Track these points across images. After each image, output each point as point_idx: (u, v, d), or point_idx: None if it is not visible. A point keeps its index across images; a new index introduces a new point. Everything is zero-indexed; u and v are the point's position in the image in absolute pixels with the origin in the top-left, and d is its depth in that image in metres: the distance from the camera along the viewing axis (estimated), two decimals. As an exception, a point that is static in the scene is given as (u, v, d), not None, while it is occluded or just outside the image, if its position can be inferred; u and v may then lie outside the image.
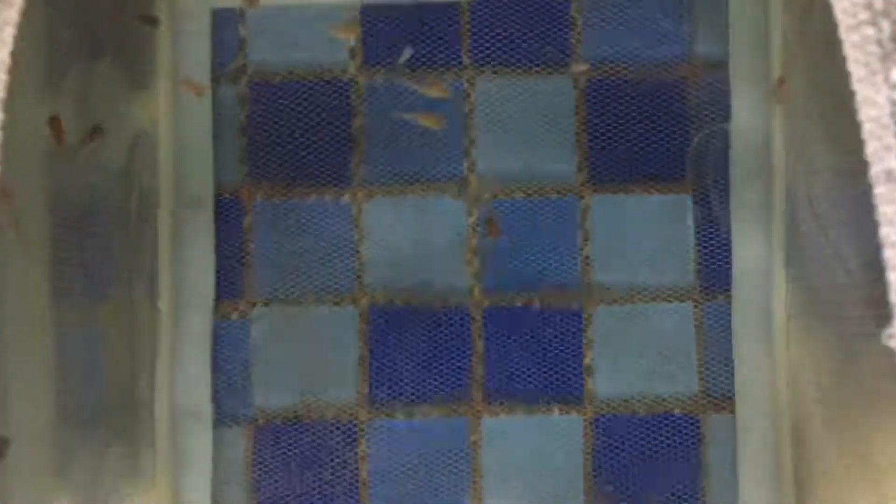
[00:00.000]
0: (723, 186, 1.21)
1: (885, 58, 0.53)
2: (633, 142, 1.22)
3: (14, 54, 0.58)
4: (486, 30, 1.22)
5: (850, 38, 0.54)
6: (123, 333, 1.17)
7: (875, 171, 0.54)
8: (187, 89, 1.19)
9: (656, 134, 1.22)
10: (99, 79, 1.14)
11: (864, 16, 0.53)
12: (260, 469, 1.21)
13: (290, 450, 1.21)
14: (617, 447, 1.20)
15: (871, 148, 0.54)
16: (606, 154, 1.22)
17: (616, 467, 1.20)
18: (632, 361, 1.21)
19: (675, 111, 1.21)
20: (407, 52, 1.20)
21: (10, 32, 0.54)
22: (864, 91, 0.54)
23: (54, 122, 1.04)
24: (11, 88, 1.00)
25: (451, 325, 1.22)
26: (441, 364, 1.21)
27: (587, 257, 1.21)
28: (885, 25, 0.53)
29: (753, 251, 1.20)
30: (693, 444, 1.19)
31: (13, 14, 0.53)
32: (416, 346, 1.22)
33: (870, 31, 0.53)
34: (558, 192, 1.22)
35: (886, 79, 0.53)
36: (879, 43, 0.53)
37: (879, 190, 0.54)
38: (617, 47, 1.22)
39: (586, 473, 1.20)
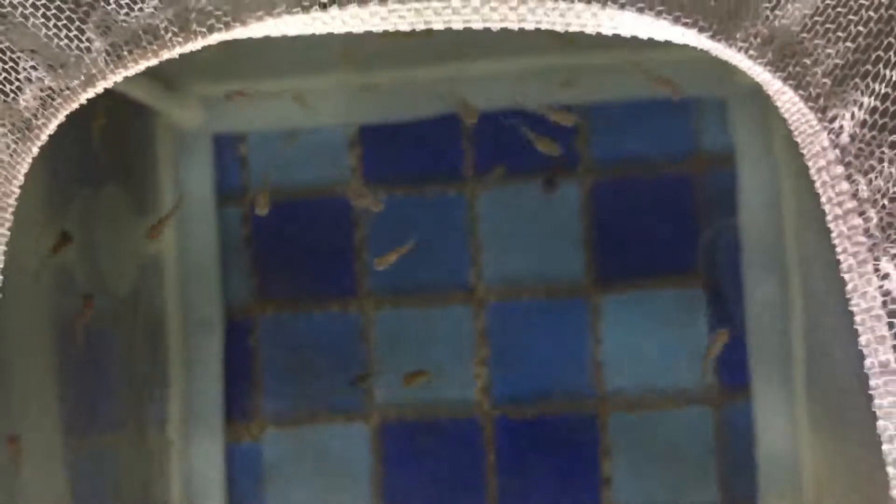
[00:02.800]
0: (736, 283, 1.19)
1: (873, 247, 0.52)
2: (642, 238, 1.21)
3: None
4: (488, 140, 1.22)
5: (837, 228, 0.52)
6: (136, 462, 1.17)
7: (869, 362, 0.52)
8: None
9: (666, 230, 1.21)
10: (103, 206, 1.14)
11: (850, 205, 0.52)
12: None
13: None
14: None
15: (863, 340, 0.52)
16: (615, 253, 1.21)
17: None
18: (650, 471, 1.18)
19: (683, 206, 1.20)
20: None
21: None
22: (854, 282, 0.52)
23: (64, 235, 1.05)
24: (16, 221, 1.01)
25: (463, 437, 1.20)
26: (455, 478, 1.20)
27: (599, 361, 1.20)
28: (873, 214, 0.52)
29: (771, 350, 1.18)
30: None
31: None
32: (429, 460, 1.20)
33: (857, 220, 0.52)
34: (566, 294, 1.21)
35: (876, 269, 0.52)
36: (867, 232, 0.52)
37: (874, 382, 0.52)
38: (622, 149, 1.21)
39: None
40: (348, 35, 1.06)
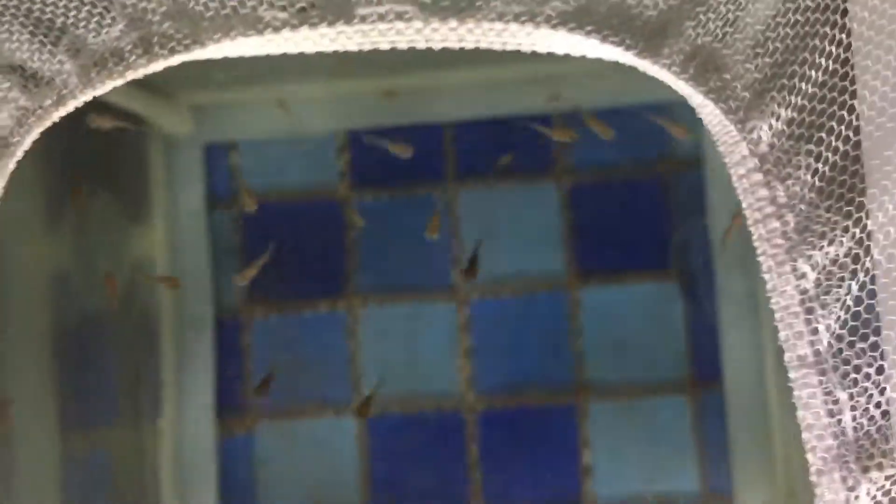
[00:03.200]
0: (709, 276, 1.22)
1: (791, 249, 0.55)
2: (619, 238, 1.24)
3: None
4: (469, 146, 1.26)
5: (757, 231, 0.56)
6: (129, 456, 1.21)
7: (788, 357, 0.56)
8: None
9: (642, 227, 1.24)
10: (96, 214, 1.18)
11: (769, 209, 0.55)
12: (269, 581, 1.24)
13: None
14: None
15: (783, 335, 0.56)
16: (594, 251, 1.24)
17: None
18: (630, 459, 1.22)
19: (658, 205, 1.23)
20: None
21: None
22: (773, 281, 0.55)
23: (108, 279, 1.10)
24: (11, 225, 1.05)
25: (447, 430, 1.24)
26: (439, 469, 1.24)
27: (579, 352, 1.23)
28: (790, 218, 0.55)
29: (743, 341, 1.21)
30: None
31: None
32: (415, 452, 1.24)
33: (775, 224, 0.55)
34: (547, 287, 1.24)
35: (794, 269, 0.55)
36: (785, 235, 0.55)
37: (794, 375, 0.56)
38: (598, 154, 1.24)
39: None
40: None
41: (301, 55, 1.07)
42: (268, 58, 1.10)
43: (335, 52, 1.11)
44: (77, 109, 1.12)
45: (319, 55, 1.12)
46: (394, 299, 1.25)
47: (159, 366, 1.24)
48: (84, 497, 1.13)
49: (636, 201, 1.24)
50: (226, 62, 1.12)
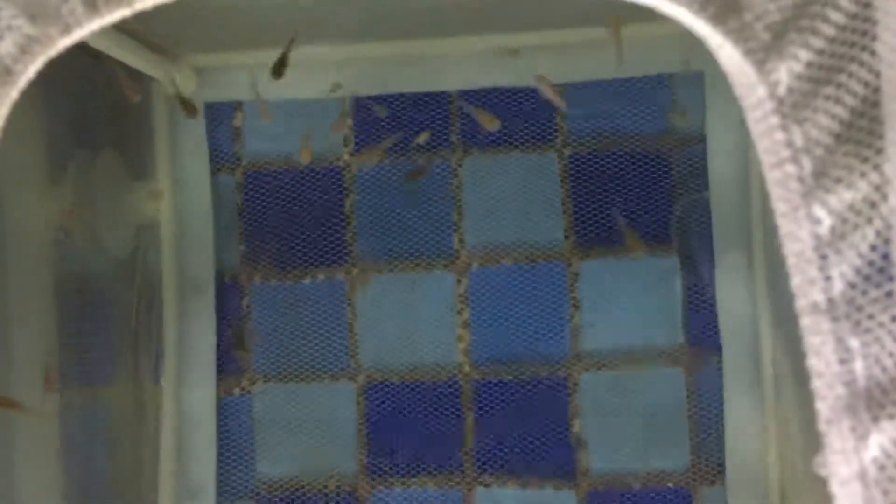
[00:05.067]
0: (708, 250, 1.20)
1: (806, 194, 0.53)
2: (619, 208, 1.22)
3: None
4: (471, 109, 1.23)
5: (772, 175, 0.54)
6: (129, 415, 1.19)
7: (800, 304, 0.54)
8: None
9: (643, 201, 1.22)
10: (101, 170, 1.16)
11: (785, 153, 0.53)
12: (264, 542, 1.22)
13: (293, 522, 1.22)
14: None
15: (795, 281, 0.53)
16: (593, 221, 1.22)
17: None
18: (624, 433, 1.20)
19: (660, 179, 1.21)
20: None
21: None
22: (787, 226, 0.53)
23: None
24: (13, 179, 1.03)
25: (444, 398, 1.22)
26: (435, 437, 1.22)
27: (576, 325, 1.21)
28: (806, 162, 0.53)
29: (740, 312, 1.19)
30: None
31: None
32: (412, 420, 1.22)
33: (791, 168, 0.53)
34: (546, 258, 1.22)
35: (808, 214, 0.53)
36: (800, 179, 0.53)
37: (805, 322, 0.53)
38: (601, 124, 1.22)
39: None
40: (341, 8, 1.07)
41: (308, 17, 1.05)
42: (275, 19, 1.08)
43: (342, 16, 1.09)
44: (84, 67, 1.10)
45: (325, 18, 1.10)
46: (393, 268, 1.23)
47: (161, 326, 1.21)
48: (83, 455, 1.11)
49: (637, 174, 1.21)
50: (231, 23, 1.10)
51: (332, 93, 1.23)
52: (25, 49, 0.56)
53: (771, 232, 1.14)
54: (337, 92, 1.23)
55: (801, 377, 1.06)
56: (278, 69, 1.08)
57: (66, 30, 0.56)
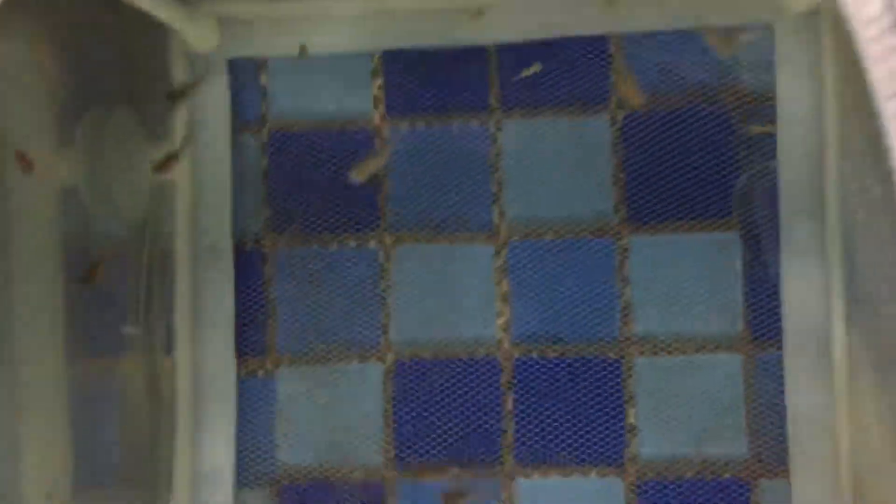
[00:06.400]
0: (773, 226, 1.08)
1: (930, 133, 0.42)
2: (676, 178, 1.10)
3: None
4: (514, 72, 1.12)
5: (888, 108, 0.42)
6: (142, 391, 1.10)
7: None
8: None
9: (701, 169, 1.10)
10: (114, 129, 1.07)
11: (904, 82, 0.42)
12: (284, 532, 1.12)
13: (316, 511, 1.13)
14: (661, 514, 1.08)
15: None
16: (646, 192, 1.11)
17: (660, 539, 1.08)
18: (677, 419, 1.09)
19: (721, 145, 1.10)
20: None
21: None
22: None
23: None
24: (20, 138, 0.94)
25: (481, 379, 1.11)
26: (470, 421, 1.11)
27: (627, 303, 1.10)
28: (931, 94, 0.42)
29: (807, 295, 1.07)
30: (744, 512, 1.07)
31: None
32: (444, 403, 1.12)
33: (911, 100, 0.42)
34: (593, 233, 1.11)
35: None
36: (923, 115, 0.42)
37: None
38: (657, 81, 1.10)
39: (628, 545, 1.08)
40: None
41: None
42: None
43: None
44: (97, 15, 1.01)
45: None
46: (429, 238, 1.13)
47: (174, 296, 1.12)
48: (93, 433, 1.02)
49: (697, 139, 1.10)
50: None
51: (361, 49, 1.13)
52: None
53: (848, 207, 1.01)
54: (365, 48, 1.13)
55: (881, 364, 0.95)
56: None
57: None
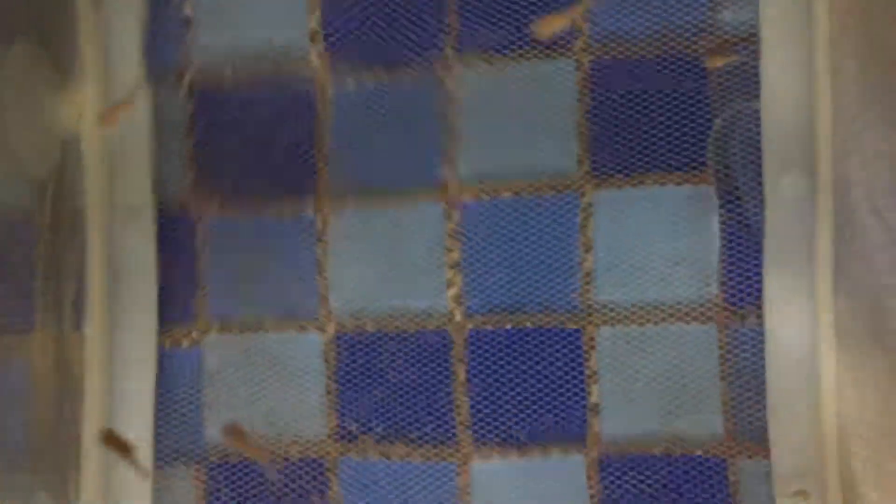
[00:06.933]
0: (754, 178, 0.97)
1: None
2: (645, 127, 0.99)
3: None
4: (472, 10, 1.00)
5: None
6: (50, 369, 0.98)
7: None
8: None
9: (673, 117, 0.99)
10: (14, 68, 0.94)
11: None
12: (212, 518, 1.01)
13: (248, 492, 1.01)
14: (628, 494, 0.98)
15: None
16: (613, 143, 0.99)
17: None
18: (644, 395, 0.98)
19: (695, 89, 0.98)
20: None
21: None
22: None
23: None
24: None
25: (431, 352, 1.00)
26: (420, 398, 1.00)
27: (589, 268, 0.99)
28: None
29: (793, 257, 0.96)
30: (720, 492, 0.97)
31: None
32: (391, 378, 1.00)
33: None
34: (554, 189, 0.99)
35: None
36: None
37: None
38: (626, 20, 0.99)
39: (592, 528, 0.98)
40: None
41: None
42: None
43: None
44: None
45: None
46: (372, 200, 1.01)
47: (86, 265, 1.00)
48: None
49: (670, 84, 0.98)
50: None
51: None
52: None
53: (842, 155, 0.90)
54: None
55: (869, 334, 0.84)
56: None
57: None
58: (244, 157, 1.02)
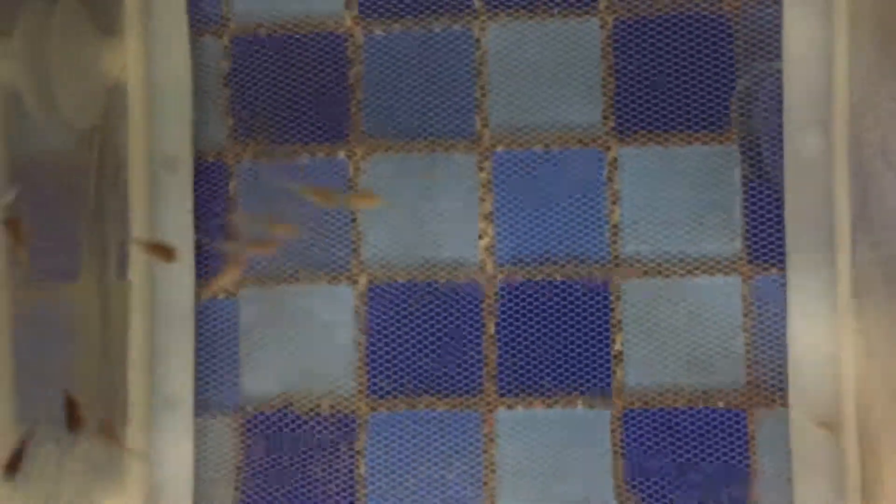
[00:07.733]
0: (775, 136, 0.99)
1: None
2: (668, 86, 1.01)
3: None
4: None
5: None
6: (94, 317, 1.00)
7: None
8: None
9: (696, 76, 1.01)
10: (58, 24, 0.96)
11: None
12: (248, 464, 1.04)
13: (281, 443, 1.04)
14: (651, 446, 1.01)
15: None
16: (638, 100, 1.01)
17: (650, 470, 1.01)
18: (668, 346, 1.01)
19: (719, 49, 1.00)
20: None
21: None
22: None
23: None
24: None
25: (460, 303, 1.03)
26: (448, 349, 1.03)
27: (616, 221, 1.01)
28: None
29: (812, 212, 0.98)
30: (740, 443, 1.00)
31: None
32: (421, 329, 1.03)
33: None
34: (581, 143, 1.02)
35: None
36: None
37: None
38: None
39: (616, 476, 1.01)
40: None
41: None
42: None
43: None
44: None
45: None
46: (403, 147, 1.03)
47: (128, 213, 1.02)
48: (40, 365, 0.93)
49: (693, 41, 1.00)
50: None
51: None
52: None
53: (860, 114, 0.93)
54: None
55: (888, 286, 0.87)
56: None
57: None
58: (279, 106, 1.04)
